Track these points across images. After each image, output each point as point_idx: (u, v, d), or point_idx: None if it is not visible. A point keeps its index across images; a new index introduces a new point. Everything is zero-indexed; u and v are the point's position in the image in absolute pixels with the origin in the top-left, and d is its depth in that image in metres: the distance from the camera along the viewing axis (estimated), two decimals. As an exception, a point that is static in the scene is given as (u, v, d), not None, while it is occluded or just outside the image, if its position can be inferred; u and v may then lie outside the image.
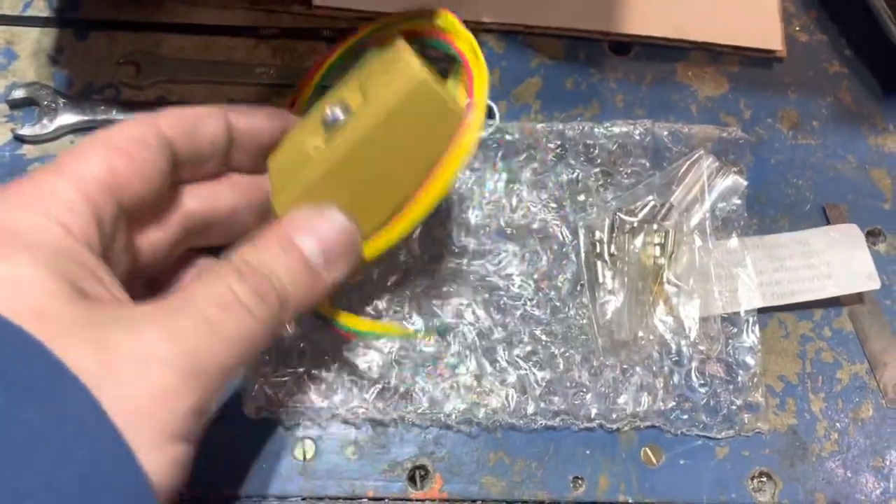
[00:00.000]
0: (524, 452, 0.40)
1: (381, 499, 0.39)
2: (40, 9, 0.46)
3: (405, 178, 0.33)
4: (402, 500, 0.39)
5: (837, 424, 0.42)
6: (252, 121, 0.34)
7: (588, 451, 0.40)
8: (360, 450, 0.39)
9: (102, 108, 0.43)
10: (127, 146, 0.29)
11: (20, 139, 0.43)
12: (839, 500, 0.40)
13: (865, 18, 0.49)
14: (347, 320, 0.37)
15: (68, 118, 0.43)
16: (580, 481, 0.40)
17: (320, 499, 0.38)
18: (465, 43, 0.36)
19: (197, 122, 0.32)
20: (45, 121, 0.43)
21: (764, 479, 0.40)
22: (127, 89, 0.44)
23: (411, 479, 0.39)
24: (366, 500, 0.39)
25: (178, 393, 0.25)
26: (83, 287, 0.26)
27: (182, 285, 0.32)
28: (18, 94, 0.43)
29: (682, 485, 0.40)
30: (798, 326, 0.43)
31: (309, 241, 0.30)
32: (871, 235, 0.45)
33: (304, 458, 0.39)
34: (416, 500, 0.39)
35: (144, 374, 0.24)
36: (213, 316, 0.26)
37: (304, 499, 0.38)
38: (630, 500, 0.39)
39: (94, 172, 0.28)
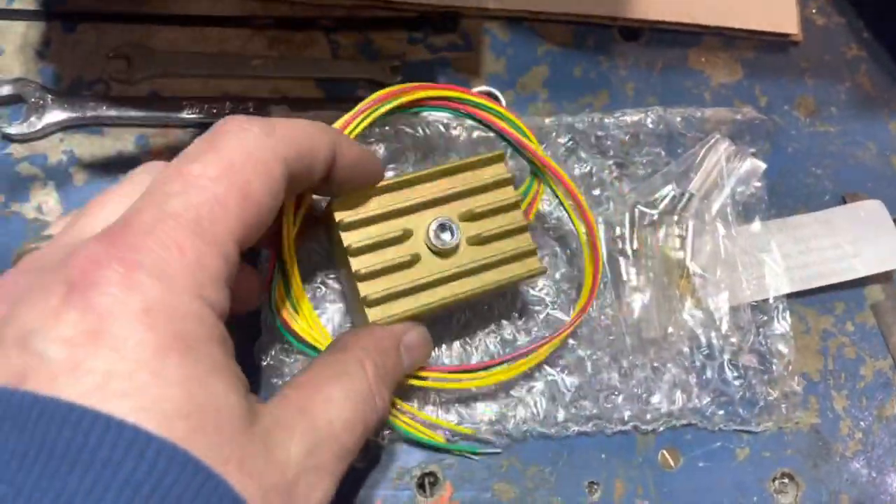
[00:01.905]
0: (537, 458, 0.38)
1: (390, 508, 0.37)
2: (26, 2, 0.44)
3: (476, 302, 0.39)
4: (411, 508, 0.37)
5: (861, 423, 0.40)
6: (355, 157, 0.31)
7: (603, 455, 0.39)
8: (367, 456, 0.38)
9: (92, 104, 0.41)
10: (260, 196, 0.25)
11: (7, 138, 0.41)
12: (864, 502, 0.39)
13: (884, -1, 0.47)
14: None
15: (57, 115, 0.41)
16: (595, 486, 0.38)
17: (326, 509, 0.37)
18: (590, 220, 0.38)
19: (313, 146, 0.29)
20: (32, 118, 0.41)
21: (786, 480, 0.39)
22: (117, 84, 0.43)
23: (420, 486, 0.38)
24: (374, 509, 0.37)
25: (317, 496, 0.26)
26: (241, 386, 0.24)
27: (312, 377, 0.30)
28: (4, 90, 0.41)
29: (701, 488, 0.38)
30: (819, 321, 0.42)
31: (408, 360, 0.34)
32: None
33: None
34: (426, 509, 0.37)
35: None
36: (345, 439, 0.27)
37: (309, 509, 0.37)
38: (648, 506, 0.38)
39: (233, 237, 0.25)
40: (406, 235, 0.34)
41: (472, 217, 0.35)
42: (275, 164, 0.26)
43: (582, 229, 0.38)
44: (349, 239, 0.33)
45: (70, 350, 0.21)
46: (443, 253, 0.35)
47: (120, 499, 0.20)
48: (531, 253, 0.36)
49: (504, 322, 0.40)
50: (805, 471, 0.39)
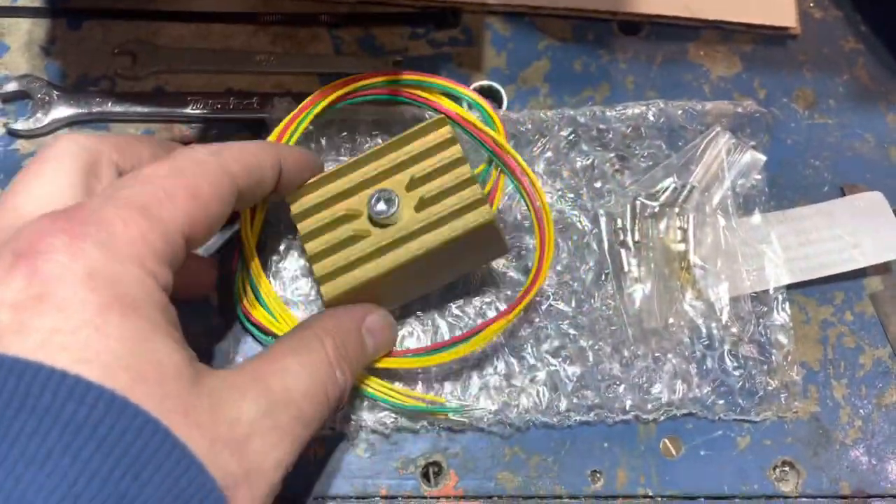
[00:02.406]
0: (540, 447, 0.39)
1: (395, 497, 0.38)
2: (31, -1, 0.44)
3: (440, 276, 0.38)
4: (415, 497, 0.38)
5: (861, 411, 0.40)
6: (297, 161, 0.35)
7: (606, 444, 0.39)
8: (371, 447, 0.38)
9: (98, 100, 0.42)
10: (207, 197, 0.28)
11: (13, 134, 0.42)
12: (864, 489, 0.39)
13: (881, -8, 0.47)
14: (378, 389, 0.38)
15: (63, 111, 0.42)
16: (598, 475, 0.38)
17: (332, 498, 0.37)
18: (538, 198, 0.38)
19: (259, 163, 0.32)
20: (38, 114, 0.42)
21: (787, 468, 0.39)
22: (123, 80, 0.43)
23: (425, 476, 0.38)
24: (378, 498, 0.38)
25: (276, 455, 0.27)
26: (185, 349, 0.26)
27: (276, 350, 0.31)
28: (10, 87, 0.42)
29: (702, 476, 0.39)
30: (819, 311, 0.42)
31: (371, 341, 0.36)
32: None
33: (315, 456, 0.38)
34: (431, 498, 0.38)
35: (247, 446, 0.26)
36: (304, 405, 0.29)
37: (315, 498, 0.37)
38: (650, 493, 0.38)
39: (178, 223, 0.27)
40: (353, 214, 0.36)
41: (416, 183, 0.36)
42: (222, 176, 0.29)
43: (532, 207, 0.38)
44: (303, 226, 0.36)
45: (16, 313, 0.23)
46: (386, 223, 0.35)
47: (62, 440, 0.21)
48: (479, 202, 0.35)
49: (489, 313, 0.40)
50: (805, 459, 0.39)
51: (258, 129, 0.42)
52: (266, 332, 0.38)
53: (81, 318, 0.23)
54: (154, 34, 0.44)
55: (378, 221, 0.35)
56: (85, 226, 0.25)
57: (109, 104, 0.42)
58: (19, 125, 0.41)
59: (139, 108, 0.42)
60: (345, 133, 0.42)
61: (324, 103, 0.39)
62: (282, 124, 0.39)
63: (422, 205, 0.35)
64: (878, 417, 0.40)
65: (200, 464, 0.24)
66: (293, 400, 0.28)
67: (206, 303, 0.40)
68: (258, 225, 0.39)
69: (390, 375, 0.38)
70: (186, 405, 0.24)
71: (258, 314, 0.38)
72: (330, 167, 0.38)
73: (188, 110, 0.42)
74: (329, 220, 0.36)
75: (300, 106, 0.40)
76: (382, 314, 0.37)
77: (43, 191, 0.28)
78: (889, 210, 0.43)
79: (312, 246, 0.36)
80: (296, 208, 0.36)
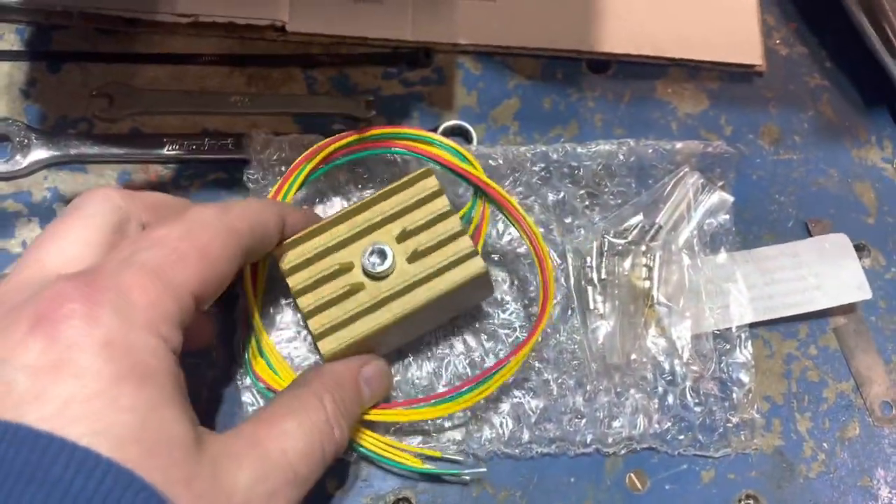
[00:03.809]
0: (508, 482, 0.39)
1: (364, 533, 0.38)
2: (11, 42, 0.45)
3: (433, 321, 0.40)
4: (385, 534, 0.38)
5: (824, 444, 0.41)
6: (298, 219, 0.37)
7: (573, 479, 0.40)
8: (341, 483, 0.39)
9: (76, 142, 0.43)
10: (216, 257, 0.30)
11: (-8, 176, 0.42)
12: (828, 522, 0.40)
13: (846, 29, 0.48)
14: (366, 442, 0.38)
15: (42, 153, 0.42)
16: (565, 510, 0.39)
17: (302, 534, 0.38)
18: (535, 236, 0.39)
19: (264, 221, 0.34)
20: (17, 157, 0.42)
21: (751, 501, 0.40)
22: (100, 122, 0.44)
23: (394, 512, 0.39)
24: (348, 534, 0.38)
25: None
26: (191, 417, 0.27)
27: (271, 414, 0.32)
28: (-10, 130, 0.43)
29: (668, 510, 0.39)
30: (783, 345, 0.43)
31: (368, 391, 0.36)
32: (856, 250, 0.44)
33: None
34: (400, 534, 0.38)
35: None
36: (300, 467, 0.30)
37: (285, 535, 0.38)
38: (616, 528, 0.39)
39: (189, 285, 0.28)
40: (346, 267, 0.36)
41: (406, 235, 0.36)
42: (230, 234, 0.31)
43: (533, 251, 0.39)
44: (294, 281, 0.36)
45: (34, 378, 0.24)
46: (381, 276, 0.36)
47: None
48: (471, 255, 0.36)
49: (473, 345, 0.41)
50: (769, 492, 0.40)
51: (234, 170, 0.43)
52: (269, 389, 0.38)
53: (97, 387, 0.24)
54: (131, 76, 0.45)
55: (372, 274, 0.36)
56: (103, 292, 0.25)
57: (87, 146, 0.43)
58: (-2, 167, 0.42)
59: (116, 150, 0.43)
60: (324, 179, 0.43)
61: (308, 167, 0.40)
62: (271, 192, 0.40)
63: (415, 257, 0.36)
64: (840, 451, 0.41)
65: None
66: (289, 463, 0.29)
67: (207, 354, 0.40)
68: (262, 279, 0.39)
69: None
70: (189, 475, 0.25)
71: (260, 369, 0.38)
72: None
73: (164, 151, 0.43)
74: (322, 275, 0.36)
75: (286, 174, 0.40)
76: (379, 363, 0.37)
77: (69, 247, 0.29)
78: (853, 252, 0.44)
79: (306, 301, 0.36)
80: (285, 263, 0.36)
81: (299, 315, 0.39)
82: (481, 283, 0.37)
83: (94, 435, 0.23)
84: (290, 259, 0.36)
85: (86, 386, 0.24)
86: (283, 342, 0.41)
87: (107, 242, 0.30)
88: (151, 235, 0.29)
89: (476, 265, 0.36)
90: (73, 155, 0.43)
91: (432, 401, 0.38)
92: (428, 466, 0.38)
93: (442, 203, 0.37)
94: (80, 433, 0.23)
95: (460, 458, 0.39)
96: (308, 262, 0.36)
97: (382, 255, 0.36)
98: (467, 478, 0.39)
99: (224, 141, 0.44)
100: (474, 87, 0.47)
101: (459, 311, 0.41)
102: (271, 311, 0.41)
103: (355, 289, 0.36)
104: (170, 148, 0.43)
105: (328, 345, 0.36)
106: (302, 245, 0.37)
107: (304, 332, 0.41)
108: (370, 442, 0.38)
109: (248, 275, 0.39)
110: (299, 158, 0.40)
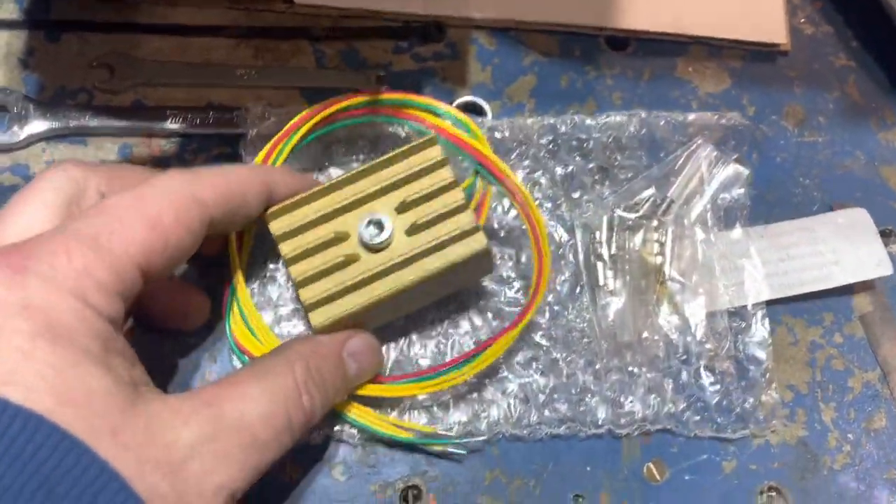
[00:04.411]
0: (521, 470, 0.38)
1: (372, 522, 0.37)
2: (9, 11, 0.44)
3: (430, 297, 0.38)
4: (393, 522, 0.37)
5: (850, 435, 0.40)
6: (289, 185, 0.35)
7: (589, 468, 0.38)
8: (348, 470, 0.37)
9: (75, 113, 0.41)
10: (168, 226, 0.29)
11: (-11, 148, 0.41)
12: (852, 515, 0.38)
13: (873, 7, 0.46)
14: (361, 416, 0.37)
15: (40, 125, 0.41)
16: (581, 499, 0.38)
17: (307, 522, 0.37)
18: (534, 216, 0.38)
19: (241, 190, 0.32)
20: (14, 128, 0.41)
21: (773, 493, 0.39)
22: (101, 93, 0.42)
23: (404, 500, 0.37)
24: (355, 523, 0.37)
25: (217, 479, 0.27)
26: (122, 376, 0.26)
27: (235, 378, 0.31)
28: (-14, 100, 0.41)
29: (687, 502, 0.38)
30: (807, 333, 0.41)
31: (354, 366, 0.35)
32: (883, 236, 0.43)
33: (290, 479, 0.37)
34: (409, 523, 0.37)
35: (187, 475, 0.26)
36: (259, 430, 0.29)
37: (289, 523, 0.37)
38: (633, 519, 0.38)
39: (133, 258, 0.28)
40: (341, 237, 0.35)
41: (406, 206, 0.35)
42: (191, 204, 0.30)
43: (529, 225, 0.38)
44: (286, 248, 0.35)
45: None
46: (378, 248, 0.34)
47: None
48: (473, 231, 0.34)
49: (479, 324, 0.40)
50: (793, 484, 0.39)
51: (238, 144, 0.41)
52: (248, 356, 0.36)
53: (10, 344, 0.24)
54: (133, 47, 0.43)
55: (369, 246, 0.34)
56: (28, 259, 0.26)
57: (87, 118, 0.41)
58: (-5, 139, 0.41)
59: (117, 122, 0.42)
60: (322, 148, 0.42)
61: (307, 126, 0.38)
62: (265, 149, 0.38)
63: (414, 230, 0.35)
64: (866, 442, 0.40)
65: (123, 481, 0.24)
66: (246, 425, 0.28)
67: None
68: (246, 249, 0.38)
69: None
70: (115, 426, 0.25)
71: (240, 334, 0.37)
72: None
73: (167, 125, 0.42)
74: (316, 244, 0.34)
75: (283, 130, 0.38)
76: (366, 337, 0.36)
77: (21, 219, 0.30)
78: (872, 227, 0.42)
79: (298, 270, 0.34)
80: (276, 228, 0.35)
81: (291, 284, 0.38)
82: (483, 261, 0.36)
83: (6, 385, 0.23)
84: (282, 224, 0.35)
85: (1, 343, 0.24)
86: (283, 321, 0.39)
87: (59, 215, 0.30)
88: (101, 204, 0.29)
89: (478, 241, 0.34)
90: (72, 127, 0.41)
91: (422, 376, 0.37)
92: (411, 436, 0.37)
93: (446, 174, 0.35)
94: None
95: (453, 436, 0.37)
96: (302, 229, 0.35)
97: (380, 225, 0.34)
98: (463, 451, 0.37)
99: (229, 115, 0.42)
100: (489, 63, 0.45)
101: (458, 288, 0.39)
102: (264, 281, 0.40)
103: (350, 260, 0.34)
104: (173, 121, 0.42)
105: (319, 317, 0.34)
106: (296, 211, 0.35)
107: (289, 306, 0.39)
108: (357, 413, 0.37)
109: (233, 240, 0.37)
110: (297, 118, 0.39)
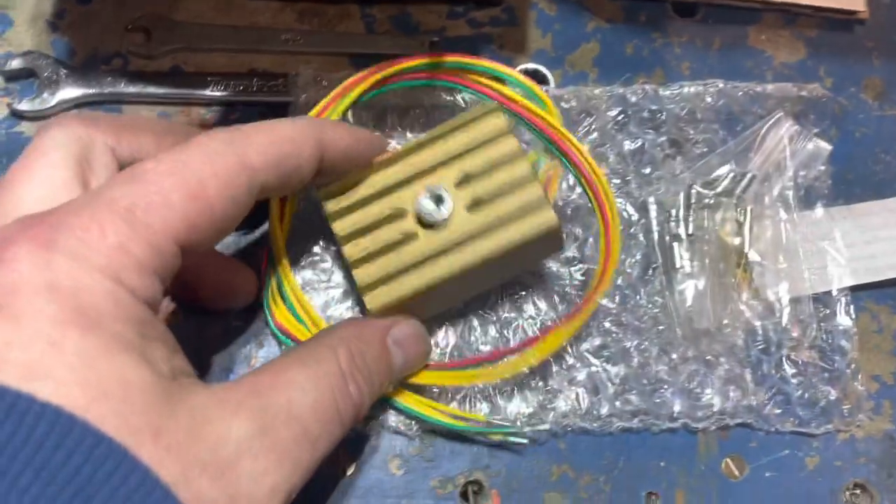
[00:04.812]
0: (591, 465, 0.35)
1: (432, 520, 0.35)
2: (38, -31, 0.41)
3: (493, 279, 0.35)
4: (454, 520, 0.35)
5: (940, 430, 0.37)
6: (347, 143, 0.31)
7: (663, 464, 0.36)
8: (405, 464, 0.35)
9: (109, 79, 0.39)
10: (212, 197, 0.25)
11: (17, 115, 0.39)
12: (943, 515, 0.36)
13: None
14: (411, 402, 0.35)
15: (71, 91, 0.39)
16: (655, 497, 0.35)
17: (362, 519, 0.34)
18: (603, 193, 0.35)
19: (294, 151, 0.28)
20: (45, 94, 0.38)
21: (859, 491, 0.36)
22: (137, 58, 0.40)
23: (464, 495, 0.35)
24: (414, 521, 0.34)
25: (271, 480, 0.24)
26: (161, 366, 0.23)
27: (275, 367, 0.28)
28: (15, 64, 0.39)
29: (768, 500, 0.36)
30: (893, 320, 0.39)
31: (400, 354, 0.32)
32: (972, 219, 0.40)
33: (344, 474, 0.35)
34: (471, 522, 0.35)
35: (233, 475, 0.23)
36: (309, 422, 0.26)
37: (344, 521, 0.34)
38: (711, 519, 0.35)
39: (170, 229, 0.24)
40: (398, 213, 0.32)
41: (467, 180, 0.32)
42: (238, 170, 0.26)
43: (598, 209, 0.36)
44: (340, 226, 0.33)
45: None
46: (437, 225, 0.32)
47: None
48: (541, 205, 0.32)
49: (543, 308, 0.37)
50: (880, 481, 0.36)
51: (284, 114, 0.39)
52: (292, 339, 0.34)
53: (35, 331, 0.21)
54: (171, 9, 0.41)
55: (428, 223, 0.32)
56: (55, 233, 0.23)
57: (122, 84, 0.39)
58: (24, 106, 0.38)
59: (154, 89, 0.39)
60: (374, 117, 0.39)
61: (361, 88, 0.36)
62: (314, 111, 0.36)
63: (476, 205, 0.32)
64: (959, 437, 0.37)
65: (166, 488, 0.21)
66: (296, 416, 0.25)
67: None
68: (288, 218, 0.36)
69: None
70: (156, 424, 0.22)
71: (280, 315, 0.35)
72: None
73: (208, 92, 0.39)
74: (371, 221, 0.32)
75: (334, 92, 0.36)
76: (412, 324, 0.33)
77: (35, 189, 0.27)
78: (971, 208, 0.39)
79: (352, 250, 0.32)
80: (331, 206, 0.33)
81: (347, 267, 0.35)
82: (551, 238, 0.33)
83: (33, 379, 0.21)
84: (336, 202, 0.33)
85: (24, 329, 0.21)
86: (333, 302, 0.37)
87: (74, 179, 0.27)
88: (134, 170, 0.25)
89: (547, 217, 0.32)
90: (106, 94, 0.39)
91: (482, 362, 0.34)
92: (469, 425, 0.35)
93: (510, 145, 0.32)
94: (16, 377, 0.20)
95: (507, 425, 0.35)
96: (356, 206, 0.33)
97: (440, 201, 0.32)
98: (525, 441, 0.35)
99: (274, 82, 0.40)
100: (549, 30, 0.42)
101: (523, 269, 0.37)
102: (306, 254, 0.37)
103: (408, 238, 0.32)
104: (214, 88, 0.39)
105: (375, 299, 0.32)
106: (350, 187, 0.33)
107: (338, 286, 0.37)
108: (412, 402, 0.34)
109: (274, 208, 0.35)
110: (353, 77, 0.36)
